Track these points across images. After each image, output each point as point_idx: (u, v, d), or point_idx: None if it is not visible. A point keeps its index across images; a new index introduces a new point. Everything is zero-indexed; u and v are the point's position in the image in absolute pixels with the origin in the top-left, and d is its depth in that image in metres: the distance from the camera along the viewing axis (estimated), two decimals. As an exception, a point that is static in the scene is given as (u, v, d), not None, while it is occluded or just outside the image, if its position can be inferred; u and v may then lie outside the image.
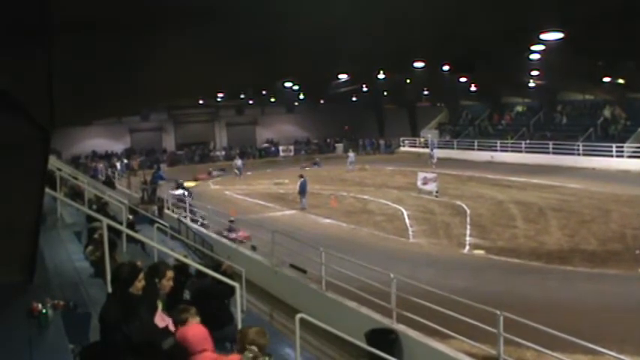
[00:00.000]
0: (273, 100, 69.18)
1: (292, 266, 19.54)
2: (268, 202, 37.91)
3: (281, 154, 72.05)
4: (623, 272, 19.82)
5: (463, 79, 52.55)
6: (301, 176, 36.30)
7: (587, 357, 12.13)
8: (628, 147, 47.18)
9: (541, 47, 30.20)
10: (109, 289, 6.93)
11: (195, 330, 7.37)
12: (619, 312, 16.21)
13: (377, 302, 14.52)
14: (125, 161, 61.42)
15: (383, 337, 13.17)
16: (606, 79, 48.38)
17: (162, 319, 7.43)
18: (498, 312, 11.24)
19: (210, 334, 7.51)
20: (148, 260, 12.90)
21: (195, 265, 12.05)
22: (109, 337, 6.36)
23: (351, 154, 55.91)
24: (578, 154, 49.68)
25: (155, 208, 31.37)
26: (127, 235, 14.50)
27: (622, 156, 47.06)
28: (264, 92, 62.16)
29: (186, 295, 10.14)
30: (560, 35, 25.13)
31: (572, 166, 47.64)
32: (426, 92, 66.68)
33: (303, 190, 35.21)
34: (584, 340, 10.29)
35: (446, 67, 41.16)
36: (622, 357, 10.55)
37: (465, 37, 12.87)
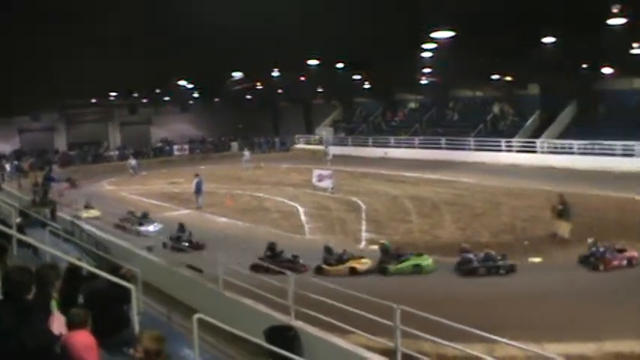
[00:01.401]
0: (167, 98, 68.03)
1: (189, 266, 19.36)
2: (164, 202, 37.50)
3: (175, 153, 71.36)
4: (514, 262, 20.41)
5: (357, 77, 53.07)
6: (197, 175, 36.05)
7: (482, 345, 12.44)
8: (516, 142, 49.12)
9: (433, 45, 30.83)
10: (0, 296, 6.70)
11: (81, 337, 7.15)
12: (511, 300, 16.76)
13: (275, 300, 14.53)
14: (15, 162, 59.00)
15: (282, 334, 13.14)
16: (495, 77, 49.98)
17: (57, 320, 7.24)
18: (395, 305, 11.41)
19: (101, 341, 7.31)
20: (40, 264, 12.53)
21: (89, 267, 11.77)
22: (1, 343, 6.17)
23: (247, 153, 56.08)
24: (470, 150, 51.21)
25: (47, 210, 30.45)
26: (18, 239, 14.06)
27: (511, 150, 49.03)
28: (157, 91, 60.93)
29: (81, 299, 9.90)
30: (451, 34, 25.76)
31: (464, 161, 48.97)
32: (320, 90, 66.99)
33: (198, 189, 34.98)
34: (480, 330, 10.54)
35: (340, 65, 41.55)
36: (515, 343, 10.92)
37: (365, 38, 13.07)
